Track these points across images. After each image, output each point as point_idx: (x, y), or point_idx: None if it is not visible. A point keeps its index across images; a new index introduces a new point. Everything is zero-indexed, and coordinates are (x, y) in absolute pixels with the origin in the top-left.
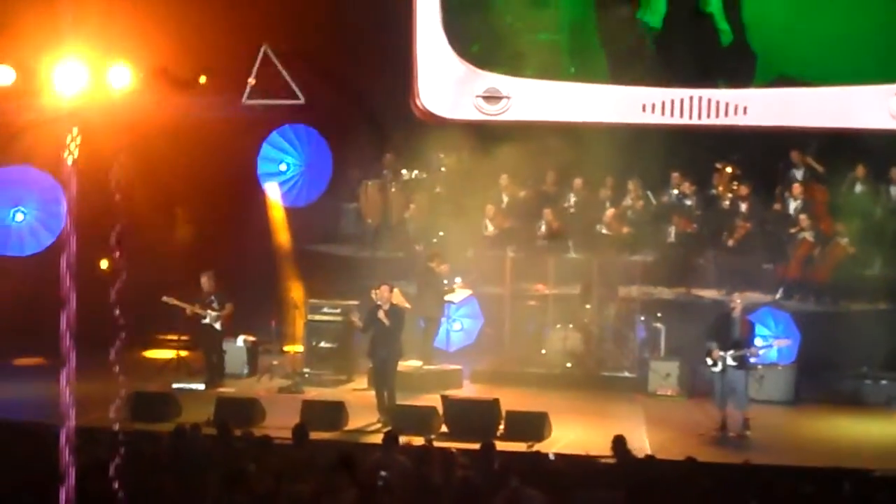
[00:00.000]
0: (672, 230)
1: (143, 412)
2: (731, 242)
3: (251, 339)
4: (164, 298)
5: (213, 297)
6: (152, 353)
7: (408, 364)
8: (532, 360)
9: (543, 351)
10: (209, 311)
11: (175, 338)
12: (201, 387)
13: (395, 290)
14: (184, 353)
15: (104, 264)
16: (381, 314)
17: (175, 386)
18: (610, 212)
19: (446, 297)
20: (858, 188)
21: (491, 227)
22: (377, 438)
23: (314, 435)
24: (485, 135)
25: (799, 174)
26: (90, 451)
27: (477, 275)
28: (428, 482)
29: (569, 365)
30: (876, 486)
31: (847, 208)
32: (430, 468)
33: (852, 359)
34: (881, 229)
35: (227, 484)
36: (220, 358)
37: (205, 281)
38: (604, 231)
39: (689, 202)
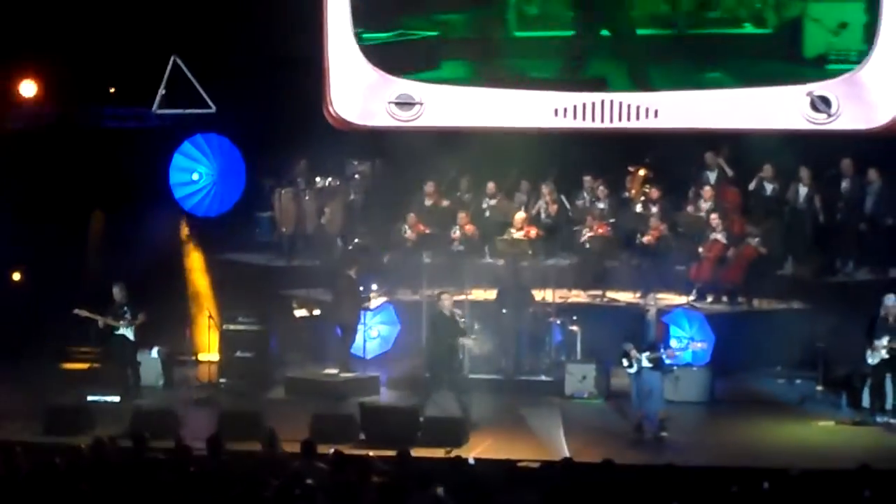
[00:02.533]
0: (586, 233)
1: (58, 426)
2: (644, 245)
3: (165, 350)
4: (76, 311)
5: (125, 308)
6: (66, 366)
7: (324, 372)
8: (449, 366)
9: (460, 356)
10: (121, 322)
11: (88, 350)
12: (116, 399)
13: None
14: (97, 366)
15: (16, 276)
16: (455, 318)
17: (90, 399)
18: (521, 216)
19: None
20: (768, 188)
21: (410, 233)
22: (295, 447)
23: (232, 446)
24: (399, 141)
25: (712, 176)
26: (6, 465)
27: (393, 281)
28: (346, 489)
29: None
30: (794, 484)
31: (757, 209)
32: (347, 475)
33: (766, 359)
34: (791, 229)
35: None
36: (134, 369)
37: (116, 292)
38: (515, 235)
39: (602, 205)
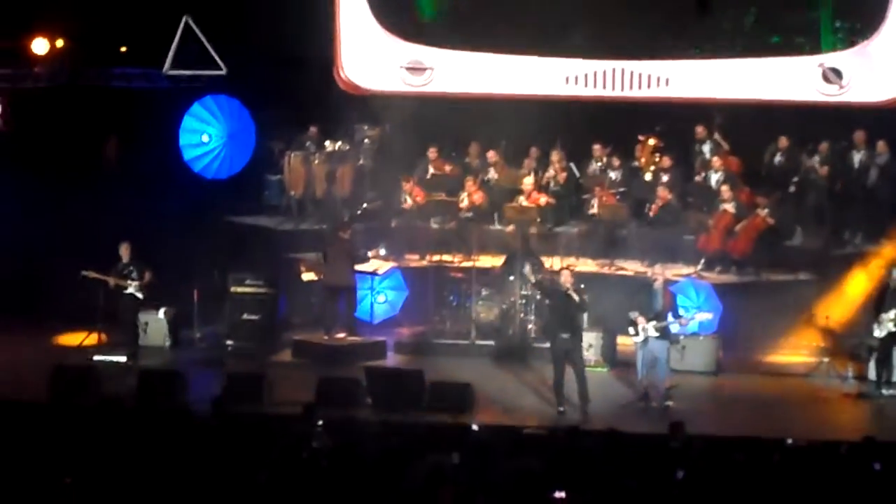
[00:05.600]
0: (594, 202)
1: (65, 386)
2: (652, 214)
3: (172, 310)
4: (84, 272)
5: (130, 267)
6: (72, 329)
7: (332, 336)
8: (456, 332)
9: (467, 322)
10: (129, 282)
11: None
12: (123, 359)
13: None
14: (104, 327)
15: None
16: (572, 293)
17: (96, 358)
18: (530, 182)
19: (367, 268)
20: (778, 159)
21: (409, 201)
22: (298, 411)
23: (236, 408)
24: (409, 106)
25: (706, 148)
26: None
27: (401, 246)
28: (350, 452)
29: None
30: (798, 454)
31: (767, 180)
32: (352, 438)
33: (773, 329)
34: (800, 200)
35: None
36: (138, 328)
37: (123, 250)
38: (524, 202)
39: (613, 175)
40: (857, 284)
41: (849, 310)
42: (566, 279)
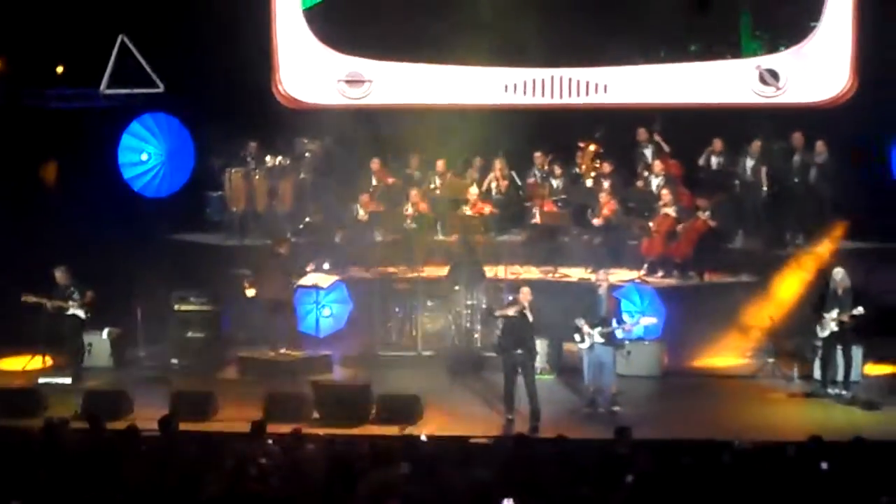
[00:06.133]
0: (535, 211)
1: (8, 408)
2: (595, 220)
3: (116, 330)
4: (24, 297)
5: (71, 288)
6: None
7: (277, 352)
8: (402, 344)
9: (413, 333)
10: (71, 302)
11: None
12: (68, 381)
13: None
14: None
15: None
16: (527, 313)
17: (41, 381)
18: (474, 192)
19: (308, 281)
20: (714, 161)
21: (362, 213)
22: (246, 428)
23: (183, 426)
24: (349, 119)
25: (648, 152)
26: None
27: (345, 260)
28: (299, 468)
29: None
30: (746, 456)
31: (706, 182)
32: (301, 454)
33: (717, 331)
34: (741, 202)
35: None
36: (83, 349)
37: (59, 275)
38: (468, 212)
39: (556, 182)
40: (799, 285)
41: (791, 310)
42: (524, 297)
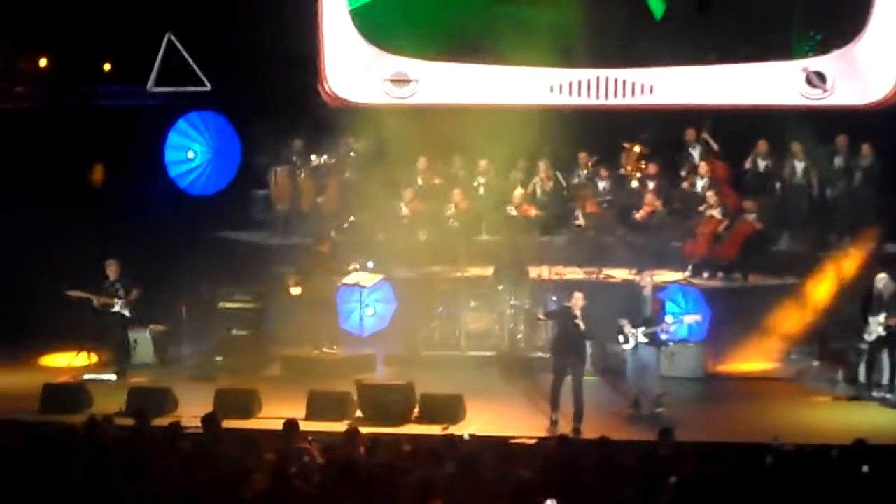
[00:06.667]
0: (579, 213)
1: (54, 404)
2: (639, 221)
3: (160, 328)
4: (69, 291)
5: (117, 285)
6: (61, 347)
7: (322, 350)
8: (446, 344)
9: (457, 333)
10: (116, 299)
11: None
12: (113, 377)
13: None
14: (92, 346)
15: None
16: (577, 318)
17: (86, 377)
18: (519, 193)
19: (352, 280)
20: (761, 164)
21: (406, 211)
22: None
23: (226, 423)
24: (394, 118)
25: (696, 152)
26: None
27: (389, 259)
28: (341, 466)
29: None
30: (792, 459)
31: (752, 185)
32: (343, 452)
33: (762, 334)
34: (786, 204)
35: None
36: (128, 345)
37: (111, 268)
38: (513, 212)
39: (603, 184)
40: (843, 287)
41: (836, 313)
42: (576, 303)
